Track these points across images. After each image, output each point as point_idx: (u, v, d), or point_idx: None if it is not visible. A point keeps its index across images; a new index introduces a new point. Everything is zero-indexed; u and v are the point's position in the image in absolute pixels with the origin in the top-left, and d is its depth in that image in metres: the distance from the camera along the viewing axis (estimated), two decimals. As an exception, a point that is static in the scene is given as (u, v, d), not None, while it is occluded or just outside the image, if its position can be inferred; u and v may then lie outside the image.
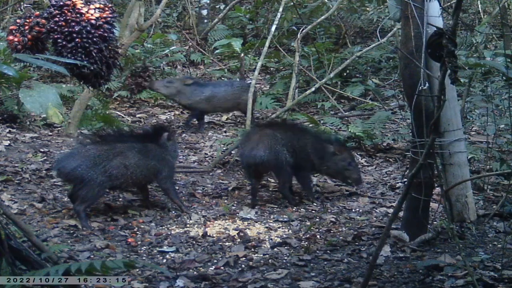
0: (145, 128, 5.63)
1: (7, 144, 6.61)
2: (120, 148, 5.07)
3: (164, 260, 4.30)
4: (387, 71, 9.60)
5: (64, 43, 2.83)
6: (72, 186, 5.01)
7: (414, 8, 4.26)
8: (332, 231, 4.89)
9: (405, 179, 5.69)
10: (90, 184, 4.86)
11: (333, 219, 5.14)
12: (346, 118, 7.95)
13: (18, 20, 2.94)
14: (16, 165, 6.00)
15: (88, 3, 2.88)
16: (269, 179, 6.01)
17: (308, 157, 5.64)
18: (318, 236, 4.77)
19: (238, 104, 7.88)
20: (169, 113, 8.56)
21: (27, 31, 2.89)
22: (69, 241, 4.51)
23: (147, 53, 9.21)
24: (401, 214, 4.58)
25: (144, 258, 4.33)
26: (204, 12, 11.37)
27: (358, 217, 5.24)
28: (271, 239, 4.69)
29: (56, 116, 3.04)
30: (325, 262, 4.28)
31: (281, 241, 4.64)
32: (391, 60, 9.68)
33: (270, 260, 4.28)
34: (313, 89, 7.73)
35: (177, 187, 5.72)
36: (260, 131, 5.65)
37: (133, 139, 5.21)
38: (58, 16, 2.84)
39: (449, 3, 8.05)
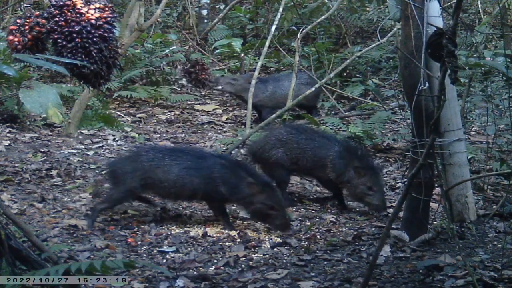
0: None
1: (7, 144, 6.61)
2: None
3: (164, 260, 4.29)
4: (387, 71, 9.59)
5: (64, 43, 2.83)
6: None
7: (414, 8, 4.26)
8: (332, 231, 4.89)
9: (405, 179, 5.69)
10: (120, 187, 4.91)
11: (333, 219, 5.14)
12: (346, 118, 7.95)
13: (18, 20, 2.94)
14: (16, 165, 6.00)
15: (88, 3, 2.88)
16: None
17: (324, 170, 5.37)
18: (318, 236, 4.77)
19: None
20: (169, 113, 8.56)
21: (27, 31, 2.89)
22: (69, 241, 4.51)
23: (147, 53, 9.21)
24: (401, 214, 4.58)
25: (144, 258, 4.33)
26: (204, 12, 11.37)
27: (358, 217, 5.24)
28: (271, 239, 4.69)
29: (56, 116, 3.04)
30: (325, 262, 4.28)
31: (281, 241, 4.64)
32: (391, 60, 9.67)
33: (270, 260, 4.28)
34: (313, 89, 7.73)
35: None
36: (271, 130, 5.75)
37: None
38: (58, 16, 2.84)
39: (449, 3, 8.03)
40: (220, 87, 8.40)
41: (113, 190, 4.96)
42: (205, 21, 11.26)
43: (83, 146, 6.79)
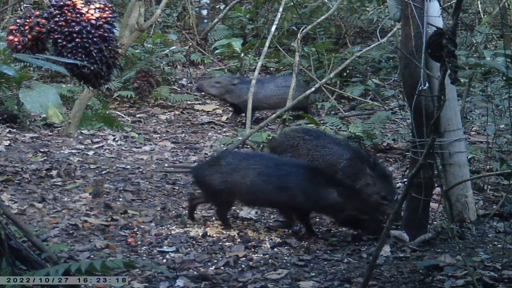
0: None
1: (7, 144, 6.61)
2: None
3: (164, 260, 4.29)
4: (387, 71, 9.59)
5: (64, 43, 2.83)
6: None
7: (414, 8, 4.27)
8: (332, 231, 4.89)
9: (405, 179, 5.68)
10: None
11: (333, 219, 5.13)
12: (346, 118, 7.95)
13: (18, 20, 2.95)
14: (16, 165, 6.00)
15: (88, 3, 2.88)
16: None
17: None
18: (318, 236, 4.77)
19: (285, 100, 7.59)
20: (169, 113, 8.56)
21: (27, 31, 2.90)
22: (69, 241, 4.51)
23: (147, 53, 9.21)
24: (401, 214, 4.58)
25: (144, 258, 4.33)
26: (204, 12, 11.36)
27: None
28: (271, 239, 4.69)
29: (56, 116, 3.03)
30: (325, 262, 4.28)
31: (281, 241, 4.64)
32: (391, 60, 9.66)
33: (270, 260, 4.28)
34: (313, 89, 7.73)
35: (177, 187, 5.73)
36: (289, 132, 5.79)
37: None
38: (58, 16, 2.85)
39: (449, 3, 8.03)
40: (203, 90, 8.46)
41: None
42: (205, 21, 11.26)
43: (83, 146, 6.80)
